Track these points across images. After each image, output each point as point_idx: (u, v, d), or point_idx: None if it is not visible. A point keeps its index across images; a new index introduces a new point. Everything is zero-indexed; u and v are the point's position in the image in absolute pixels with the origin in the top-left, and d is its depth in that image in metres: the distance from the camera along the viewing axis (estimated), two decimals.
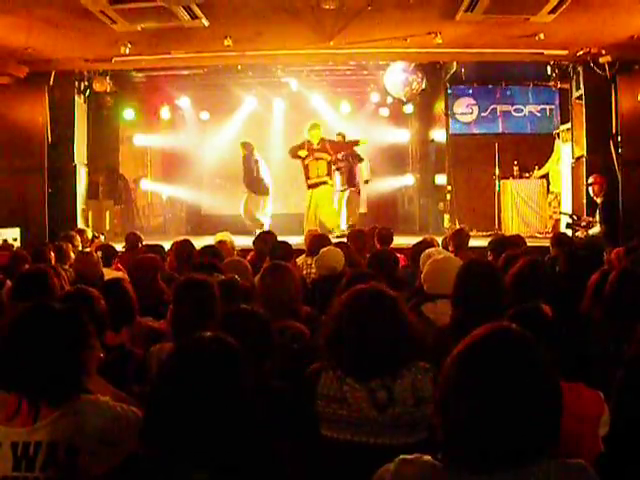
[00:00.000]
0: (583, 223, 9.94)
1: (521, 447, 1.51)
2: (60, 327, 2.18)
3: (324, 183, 11.77)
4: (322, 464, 2.47)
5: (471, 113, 13.00)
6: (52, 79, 10.38)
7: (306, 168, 11.77)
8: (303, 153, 11.74)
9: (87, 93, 11.40)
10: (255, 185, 12.15)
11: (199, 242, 7.25)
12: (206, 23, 7.81)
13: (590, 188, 9.98)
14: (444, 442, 1.59)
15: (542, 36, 8.50)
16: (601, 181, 9.82)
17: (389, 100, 14.10)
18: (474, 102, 13.00)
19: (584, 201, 10.39)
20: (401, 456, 1.66)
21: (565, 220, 10.65)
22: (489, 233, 11.11)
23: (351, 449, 2.42)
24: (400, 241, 8.69)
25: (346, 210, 11.98)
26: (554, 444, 1.56)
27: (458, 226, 11.56)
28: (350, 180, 12.05)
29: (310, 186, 11.80)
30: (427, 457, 1.62)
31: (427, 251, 5.23)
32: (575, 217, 10.22)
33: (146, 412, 1.80)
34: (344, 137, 12.18)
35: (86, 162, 11.47)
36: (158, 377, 1.79)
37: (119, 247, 8.03)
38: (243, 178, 12.23)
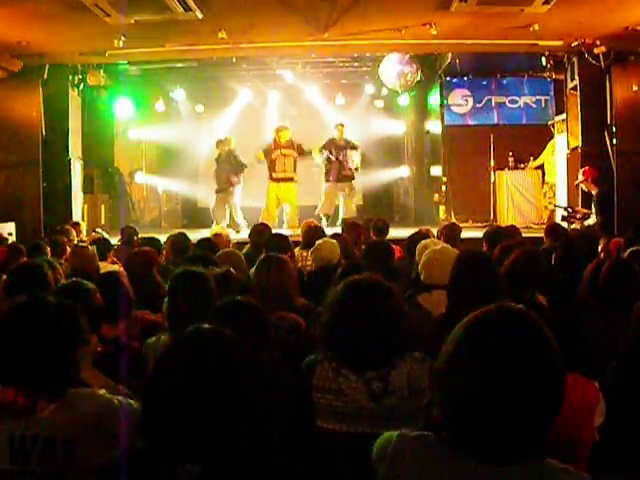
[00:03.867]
0: (578, 215, 9.92)
1: (517, 434, 1.46)
2: (52, 320, 2.16)
3: (291, 180, 11.79)
4: (318, 455, 2.48)
5: (466, 104, 12.99)
6: (46, 73, 10.32)
7: (273, 162, 11.76)
8: (261, 156, 11.88)
9: (81, 87, 11.35)
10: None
11: (195, 235, 7.26)
12: (200, 15, 7.78)
13: (582, 185, 9.97)
14: (442, 423, 1.54)
15: (536, 27, 8.48)
16: (591, 174, 9.77)
17: (384, 92, 14.07)
18: (469, 93, 12.98)
19: (579, 192, 10.39)
20: (402, 430, 1.65)
21: (560, 213, 10.65)
22: (484, 224, 11.12)
23: (347, 440, 2.43)
24: (395, 233, 8.68)
25: (345, 204, 11.98)
26: (545, 439, 1.49)
27: (454, 217, 11.59)
28: (347, 169, 12.01)
29: (275, 179, 11.79)
30: (429, 434, 1.59)
31: (423, 242, 5.24)
32: (570, 210, 10.19)
33: (143, 405, 1.81)
34: (343, 127, 12.20)
35: (81, 156, 11.43)
36: (155, 370, 1.79)
37: (114, 241, 8.02)
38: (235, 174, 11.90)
